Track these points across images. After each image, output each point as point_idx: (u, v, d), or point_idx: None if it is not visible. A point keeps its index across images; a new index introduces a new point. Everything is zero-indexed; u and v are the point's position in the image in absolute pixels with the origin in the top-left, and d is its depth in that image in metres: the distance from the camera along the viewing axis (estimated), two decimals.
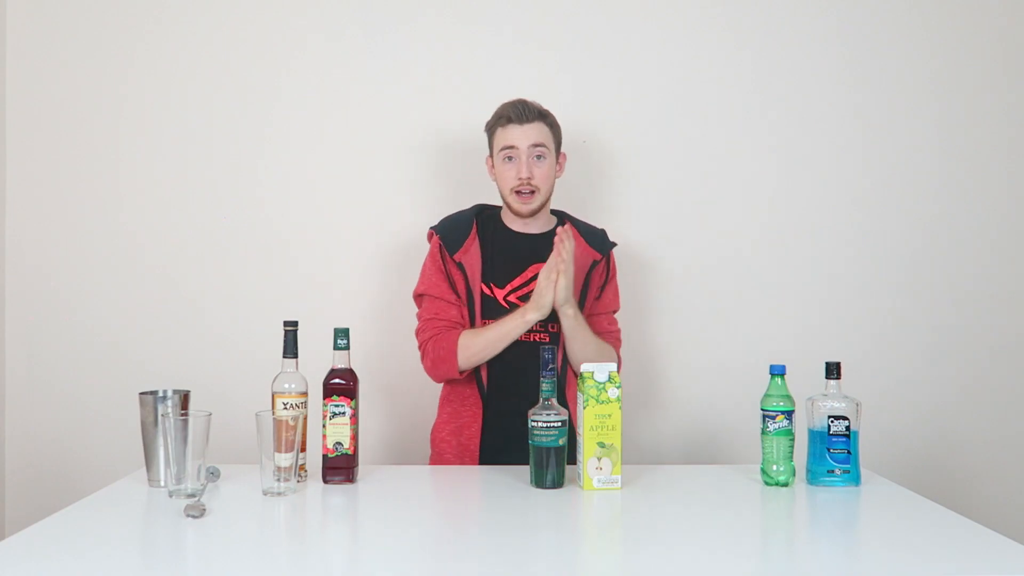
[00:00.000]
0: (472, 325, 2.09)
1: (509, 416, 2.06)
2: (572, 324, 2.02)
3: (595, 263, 2.14)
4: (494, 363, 2.07)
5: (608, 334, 2.19)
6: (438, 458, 2.14)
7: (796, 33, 2.59)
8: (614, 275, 2.23)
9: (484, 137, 2.15)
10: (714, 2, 2.59)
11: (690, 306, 2.58)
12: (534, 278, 2.08)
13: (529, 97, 2.11)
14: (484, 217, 2.19)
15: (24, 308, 2.54)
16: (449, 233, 2.13)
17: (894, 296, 2.60)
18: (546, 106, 2.12)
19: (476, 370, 2.07)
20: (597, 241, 2.18)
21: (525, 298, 2.08)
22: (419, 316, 2.14)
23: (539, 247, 2.12)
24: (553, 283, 1.96)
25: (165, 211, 2.55)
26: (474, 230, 2.14)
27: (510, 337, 2.01)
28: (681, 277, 2.57)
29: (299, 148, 2.56)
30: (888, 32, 2.60)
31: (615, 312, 2.23)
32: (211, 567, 1.34)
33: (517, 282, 2.11)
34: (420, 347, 2.10)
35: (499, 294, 2.10)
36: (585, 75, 2.57)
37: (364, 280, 2.55)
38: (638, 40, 2.58)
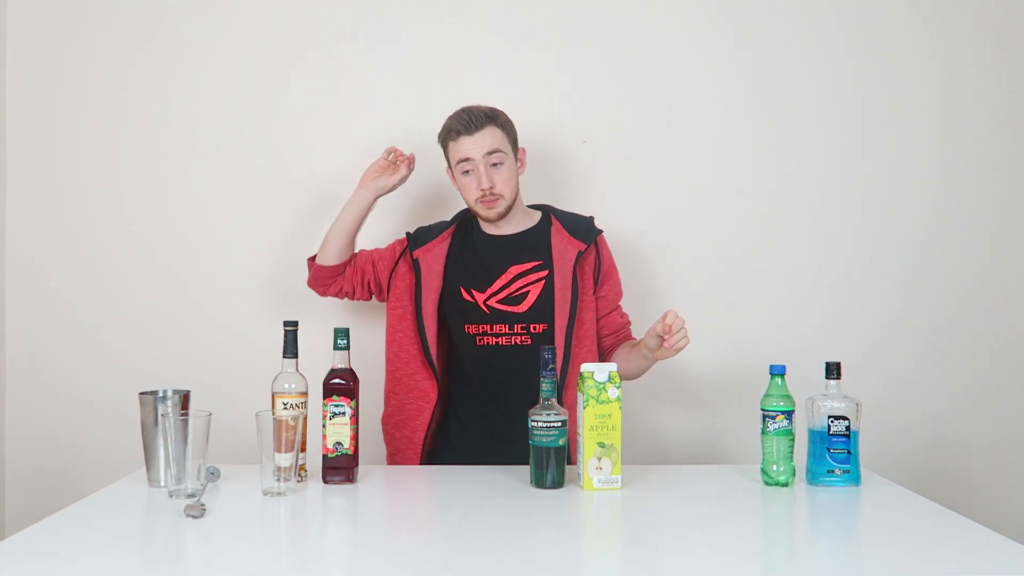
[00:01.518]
0: (421, 327, 2.08)
1: (476, 419, 2.08)
2: (648, 365, 2.06)
3: (580, 253, 2.09)
4: (463, 363, 2.09)
5: (624, 327, 2.20)
6: (394, 459, 2.17)
7: (796, 33, 2.59)
8: (611, 265, 2.18)
9: None
10: (715, 1, 2.59)
11: (690, 306, 2.57)
12: (514, 280, 2.09)
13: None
14: (464, 225, 2.19)
15: (24, 308, 2.55)
16: (420, 233, 2.19)
17: (894, 296, 2.60)
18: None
19: (432, 365, 2.07)
20: (581, 231, 2.13)
21: (506, 301, 2.08)
22: None
23: (517, 248, 2.12)
24: None
25: (165, 211, 2.55)
26: (447, 234, 2.16)
27: (350, 214, 2.13)
28: (681, 277, 2.57)
29: (299, 148, 2.56)
30: (889, 32, 2.60)
31: (620, 300, 2.21)
32: (211, 567, 1.34)
33: (497, 285, 2.09)
34: None
35: (480, 298, 2.09)
36: (585, 75, 2.57)
37: None
38: (638, 39, 2.58)
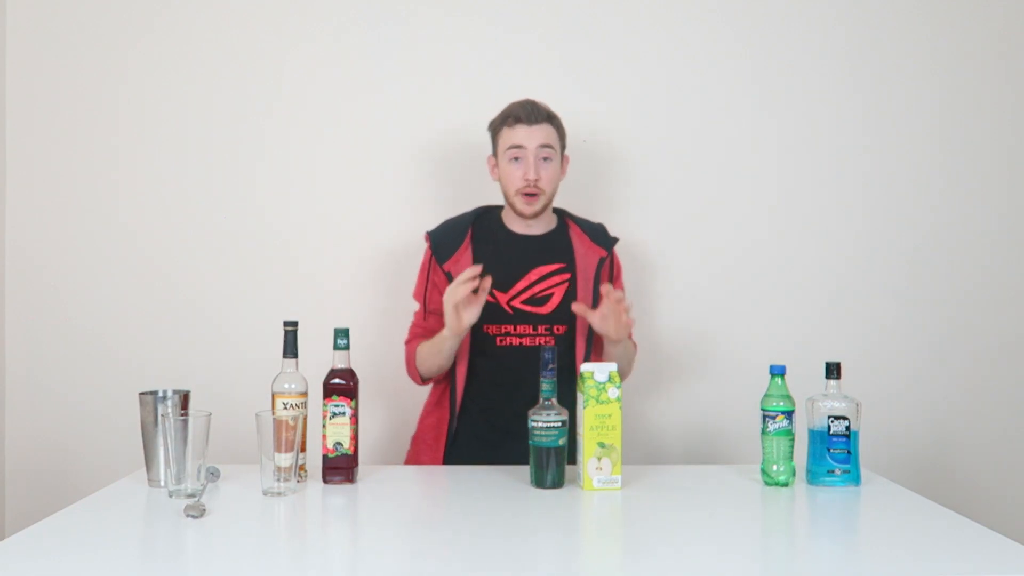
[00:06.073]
0: (470, 335, 2.06)
1: (489, 417, 2.08)
2: (620, 351, 2.05)
3: (602, 259, 2.14)
4: (486, 364, 2.07)
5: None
6: (414, 457, 2.18)
7: (798, 32, 2.59)
8: (619, 272, 2.23)
9: (484, 137, 2.15)
10: (716, 2, 2.59)
11: (690, 306, 2.58)
12: (538, 281, 2.09)
13: (532, 95, 2.11)
14: (483, 221, 2.16)
15: (24, 308, 2.55)
16: (441, 241, 2.13)
17: (895, 296, 2.60)
18: (549, 105, 2.11)
19: (453, 373, 2.08)
20: (600, 238, 2.18)
21: (529, 302, 2.07)
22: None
23: (542, 249, 2.13)
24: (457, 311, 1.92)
25: (165, 211, 2.55)
26: (468, 237, 2.12)
27: (442, 351, 2.02)
28: (681, 277, 2.57)
29: (299, 148, 2.56)
30: (890, 32, 2.60)
31: None
32: (211, 567, 1.34)
33: (520, 285, 2.09)
34: None
35: (502, 299, 2.08)
36: (586, 73, 2.57)
37: (364, 280, 2.55)
38: (638, 38, 2.58)
